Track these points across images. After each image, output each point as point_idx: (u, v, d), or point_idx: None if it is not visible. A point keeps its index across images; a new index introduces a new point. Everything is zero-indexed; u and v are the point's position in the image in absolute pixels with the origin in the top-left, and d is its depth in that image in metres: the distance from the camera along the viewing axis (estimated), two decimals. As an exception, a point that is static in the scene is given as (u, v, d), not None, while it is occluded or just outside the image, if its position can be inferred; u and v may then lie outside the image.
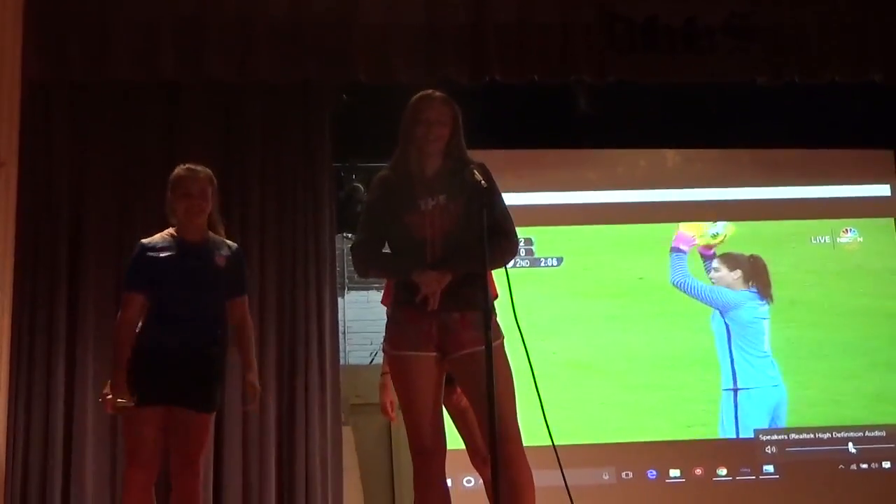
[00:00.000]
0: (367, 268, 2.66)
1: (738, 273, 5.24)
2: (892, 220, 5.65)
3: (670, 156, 5.69)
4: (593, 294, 5.35)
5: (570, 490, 2.60)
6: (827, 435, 5.30)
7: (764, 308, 5.29)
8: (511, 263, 2.56)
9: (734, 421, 5.15)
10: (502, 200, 2.59)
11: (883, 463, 5.28)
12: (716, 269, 5.20)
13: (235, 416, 4.52)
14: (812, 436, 5.29)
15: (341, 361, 5.18)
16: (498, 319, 2.57)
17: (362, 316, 6.41)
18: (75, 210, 4.63)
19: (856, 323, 5.42)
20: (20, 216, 4.30)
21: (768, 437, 5.25)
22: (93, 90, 4.69)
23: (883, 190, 5.69)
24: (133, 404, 2.97)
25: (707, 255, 5.35)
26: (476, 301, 2.39)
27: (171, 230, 3.16)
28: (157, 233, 3.20)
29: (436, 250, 2.49)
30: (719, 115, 5.40)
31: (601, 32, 4.73)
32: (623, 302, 5.31)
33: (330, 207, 5.01)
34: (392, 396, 3.07)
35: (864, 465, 5.27)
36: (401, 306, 2.55)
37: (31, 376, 4.42)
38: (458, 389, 2.91)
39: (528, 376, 2.51)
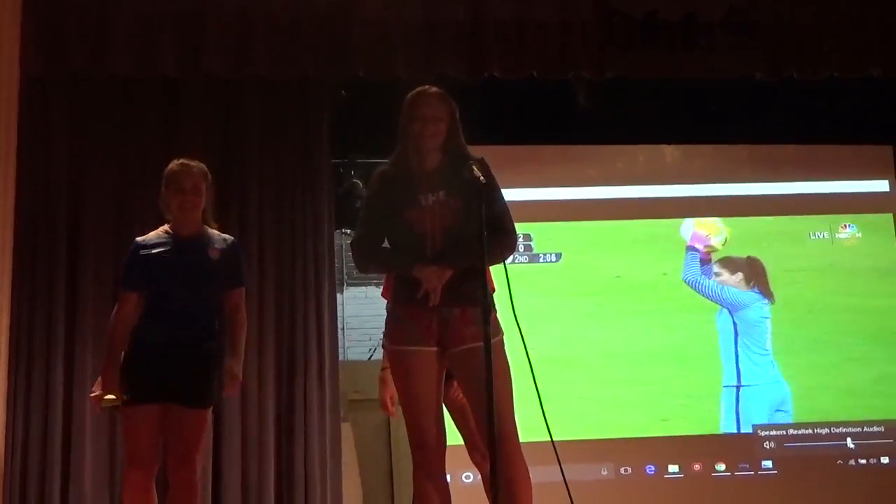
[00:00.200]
0: (367, 263, 2.66)
1: (740, 275, 5.27)
2: (890, 215, 5.65)
3: (669, 151, 5.69)
4: (592, 290, 5.36)
5: (569, 486, 2.61)
6: (825, 430, 5.31)
7: (767, 308, 5.31)
8: (510, 259, 2.56)
9: (735, 417, 5.16)
10: (502, 196, 2.60)
11: (881, 458, 5.29)
12: (717, 274, 5.23)
13: (234, 412, 4.53)
14: (810, 431, 5.30)
15: (340, 357, 5.18)
16: (498, 315, 2.57)
17: (361, 312, 6.40)
18: (74, 208, 4.63)
19: (852, 319, 5.42)
20: (18, 214, 4.29)
21: (767, 433, 5.26)
22: (91, 86, 4.69)
23: (882, 185, 5.70)
24: (121, 402, 2.97)
25: (705, 260, 5.36)
26: (477, 297, 2.39)
27: (165, 227, 3.15)
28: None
29: (436, 245, 2.50)
30: (718, 111, 5.40)
31: (600, 28, 4.73)
32: (620, 297, 5.32)
33: (329, 203, 5.02)
34: (392, 392, 3.07)
35: (863, 461, 5.28)
36: (401, 302, 2.56)
37: (29, 375, 4.43)
38: (456, 386, 2.92)
39: (527, 371, 2.52)
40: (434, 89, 2.64)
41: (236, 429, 4.58)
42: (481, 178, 2.42)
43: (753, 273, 5.28)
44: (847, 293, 5.47)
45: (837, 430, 5.31)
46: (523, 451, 2.54)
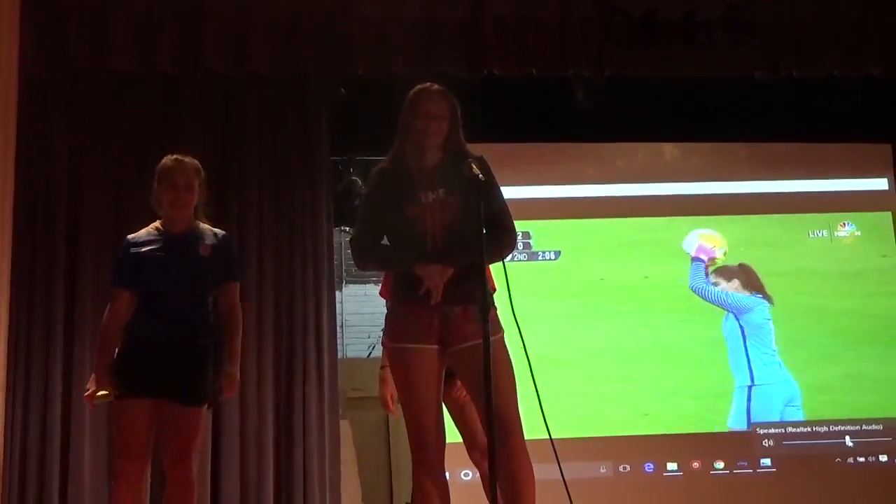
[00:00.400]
0: (367, 260, 2.66)
1: (736, 282, 5.33)
2: (889, 213, 5.65)
3: (668, 150, 5.69)
4: (593, 291, 5.36)
5: (568, 484, 2.60)
6: (824, 428, 5.31)
7: (768, 310, 5.33)
8: (509, 257, 2.56)
9: (746, 414, 5.18)
10: (501, 194, 2.59)
11: (880, 456, 5.30)
12: (715, 283, 5.31)
13: (234, 409, 4.54)
14: (809, 429, 5.31)
15: (339, 355, 5.19)
16: (498, 313, 2.57)
17: (360, 309, 6.40)
18: (73, 206, 4.64)
19: (851, 317, 5.42)
20: (17, 212, 4.29)
21: (766, 431, 5.26)
22: (90, 84, 4.69)
23: (881, 184, 5.69)
24: (113, 398, 2.96)
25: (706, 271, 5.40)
26: (477, 295, 2.39)
27: (157, 223, 3.13)
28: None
29: (436, 243, 2.50)
30: (717, 109, 5.40)
31: (599, 27, 4.73)
32: (609, 296, 5.33)
33: (328, 201, 5.02)
34: (392, 390, 3.07)
35: (861, 459, 5.28)
36: (401, 300, 2.55)
37: (28, 373, 4.43)
38: (458, 383, 2.92)
39: (526, 370, 2.51)
40: (436, 87, 2.63)
41: (235, 426, 4.59)
42: (480, 175, 2.42)
43: (748, 278, 5.34)
44: (845, 292, 5.47)
45: (836, 429, 5.31)
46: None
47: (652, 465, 5.19)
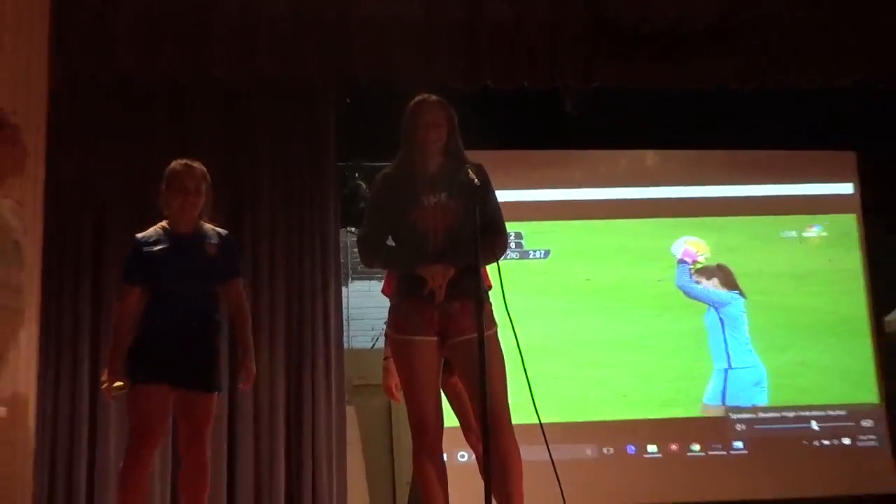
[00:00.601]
0: (373, 259, 2.67)
1: (715, 280, 5.45)
2: (854, 215, 5.68)
3: (650, 156, 5.72)
4: (580, 287, 5.39)
5: (556, 465, 2.62)
6: (792, 414, 5.35)
7: (742, 303, 5.43)
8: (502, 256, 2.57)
9: (722, 394, 5.30)
10: (495, 199, 2.60)
11: (843, 439, 5.34)
12: (697, 282, 5.45)
13: (248, 395, 4.55)
14: (779, 414, 5.35)
15: (345, 345, 5.20)
16: (493, 308, 2.58)
17: (364, 304, 6.41)
18: (100, 208, 4.65)
19: (816, 312, 5.47)
20: (46, 216, 4.26)
21: (738, 416, 5.31)
22: (113, 95, 4.70)
23: (847, 188, 5.73)
24: (128, 389, 2.94)
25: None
26: (473, 291, 2.40)
27: (163, 223, 3.12)
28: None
29: (438, 243, 2.52)
30: (696, 119, 5.42)
31: (587, 42, 4.74)
32: (595, 294, 5.38)
33: (334, 204, 5.04)
34: (396, 380, 3.07)
35: (826, 442, 5.32)
36: (404, 296, 2.56)
37: (58, 367, 4.44)
38: (456, 373, 2.93)
39: (518, 358, 2.53)
40: (434, 97, 2.64)
41: (249, 411, 4.61)
42: (475, 180, 2.43)
43: (725, 277, 5.46)
44: (811, 289, 5.52)
45: (803, 414, 5.35)
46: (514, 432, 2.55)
47: (633, 448, 5.21)
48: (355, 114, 5.16)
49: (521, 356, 2.48)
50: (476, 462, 3.18)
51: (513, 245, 5.28)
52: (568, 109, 5.37)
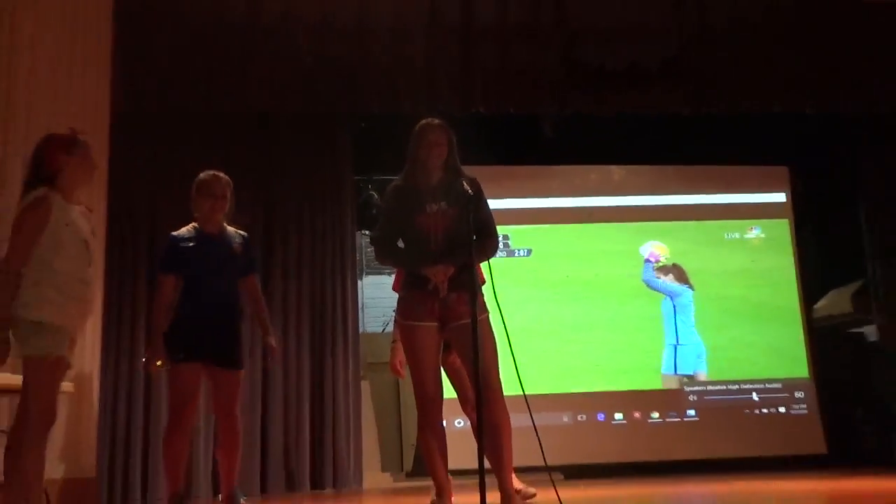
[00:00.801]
0: (385, 258, 2.66)
1: (671, 276, 5.55)
2: (787, 220, 5.69)
3: (616, 171, 5.73)
4: (558, 280, 5.39)
5: (538, 429, 2.61)
6: (736, 386, 5.36)
7: (691, 295, 5.50)
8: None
9: (674, 365, 5.38)
10: (487, 206, 2.59)
11: (779, 408, 5.34)
12: (658, 277, 5.55)
13: (278, 372, 4.55)
14: (724, 387, 5.36)
15: (360, 330, 5.20)
16: (485, 299, 2.57)
17: (377, 294, 6.42)
18: (152, 216, 4.63)
19: (753, 302, 5.49)
20: (109, 228, 4.23)
21: (691, 388, 5.32)
22: (166, 122, 4.67)
23: (780, 197, 5.76)
24: (166, 367, 2.89)
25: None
26: (468, 284, 2.39)
27: (193, 224, 3.06)
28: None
29: (439, 243, 2.51)
30: (654, 139, 5.42)
31: (561, 76, 4.75)
32: (578, 283, 5.40)
33: (351, 210, 5.05)
34: (401, 358, 3.05)
35: (765, 410, 5.33)
36: (409, 289, 2.56)
37: (119, 341, 4.42)
38: (454, 353, 2.92)
39: (506, 341, 2.52)
40: (437, 121, 2.62)
41: (279, 385, 4.60)
42: (469, 191, 2.42)
43: (679, 274, 5.56)
44: (750, 283, 5.55)
45: (745, 386, 5.36)
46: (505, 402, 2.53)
47: (603, 415, 5.22)
48: (369, 135, 5.16)
49: (509, 338, 2.47)
50: (471, 428, 3.17)
51: (501, 245, 5.28)
52: (547, 132, 5.38)
